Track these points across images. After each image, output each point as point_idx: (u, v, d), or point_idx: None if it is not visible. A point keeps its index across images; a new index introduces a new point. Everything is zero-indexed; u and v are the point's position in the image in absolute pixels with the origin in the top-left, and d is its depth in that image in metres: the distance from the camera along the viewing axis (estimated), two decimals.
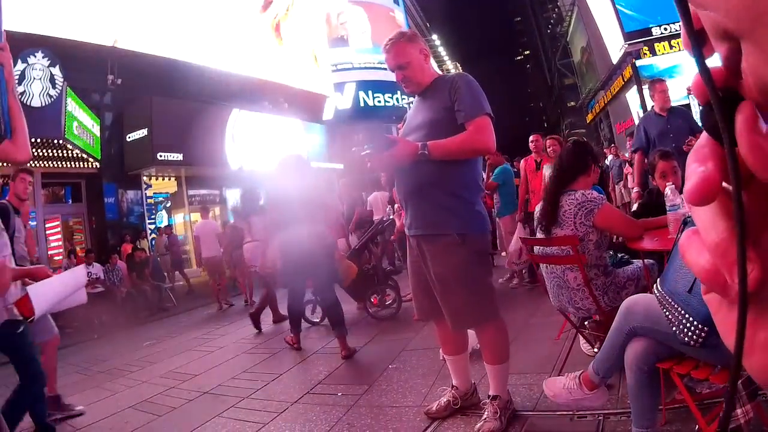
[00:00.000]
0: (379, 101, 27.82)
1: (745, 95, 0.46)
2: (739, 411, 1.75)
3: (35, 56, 11.59)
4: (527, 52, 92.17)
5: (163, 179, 16.63)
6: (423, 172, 3.18)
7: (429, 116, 3.29)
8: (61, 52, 12.15)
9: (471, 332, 3.74)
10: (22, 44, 11.57)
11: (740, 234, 0.43)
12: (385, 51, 3.40)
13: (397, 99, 27.82)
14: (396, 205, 7.84)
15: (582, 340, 3.96)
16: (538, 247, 3.74)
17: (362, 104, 27.20)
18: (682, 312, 2.09)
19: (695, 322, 2.02)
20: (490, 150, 3.26)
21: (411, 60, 3.33)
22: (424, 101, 3.41)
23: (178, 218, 18.15)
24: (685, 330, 2.06)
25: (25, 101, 11.18)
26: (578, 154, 3.65)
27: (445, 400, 3.66)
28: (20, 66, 11.25)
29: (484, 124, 3.14)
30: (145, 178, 15.83)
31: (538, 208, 3.80)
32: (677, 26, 18.21)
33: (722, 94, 0.50)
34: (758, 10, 0.40)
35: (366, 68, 28.02)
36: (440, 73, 3.57)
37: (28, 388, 3.91)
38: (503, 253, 8.91)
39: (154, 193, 16.22)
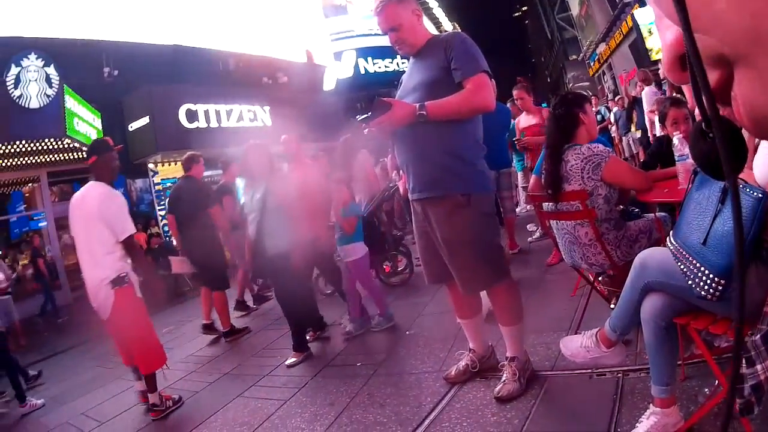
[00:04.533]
0: (379, 68, 27.59)
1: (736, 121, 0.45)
2: (758, 367, 1.72)
3: (28, 58, 11.54)
4: (525, 8, 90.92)
5: (169, 164, 16.58)
6: (422, 133, 3.15)
7: (425, 77, 3.24)
8: (54, 51, 12.10)
9: (484, 294, 3.73)
10: (14, 48, 11.58)
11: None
12: (375, 14, 3.32)
13: (397, 64, 27.54)
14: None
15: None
16: (547, 203, 3.70)
17: (363, 72, 26.97)
18: (698, 265, 2.06)
19: (711, 275, 2.00)
20: (490, 108, 3.18)
21: (402, 22, 3.25)
22: (420, 62, 3.35)
23: None
24: (701, 283, 2.04)
25: (23, 104, 11.27)
26: (565, 113, 3.60)
27: (463, 364, 3.68)
28: (14, 70, 11.30)
29: (483, 81, 3.09)
30: (151, 165, 15.71)
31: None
32: None
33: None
34: (757, 33, 0.38)
35: (365, 35, 27.74)
36: (435, 33, 3.51)
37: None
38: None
39: (161, 179, 16.15)
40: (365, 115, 3.13)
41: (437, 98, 3.07)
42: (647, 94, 10.32)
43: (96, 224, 4.44)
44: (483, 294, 3.66)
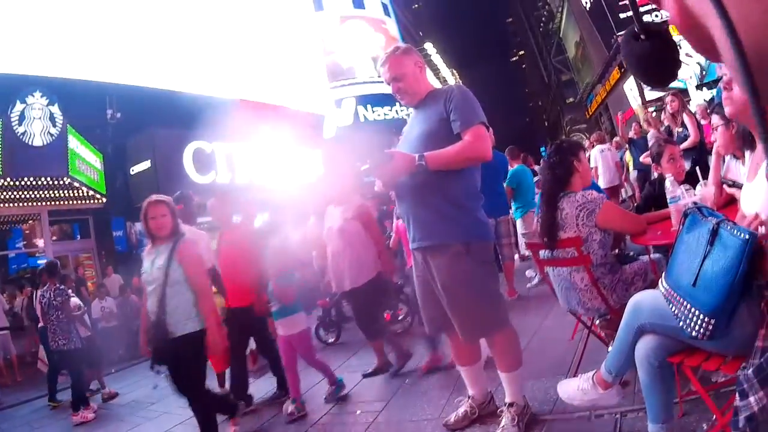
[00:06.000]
0: (379, 115, 27.72)
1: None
2: (752, 399, 1.74)
3: (33, 96, 11.68)
4: (522, 52, 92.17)
5: None
6: (423, 183, 3.20)
7: (425, 127, 3.33)
8: (58, 90, 12.22)
9: (483, 341, 3.74)
10: (20, 84, 11.72)
11: None
12: (381, 65, 3.46)
13: (396, 111, 27.64)
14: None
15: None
16: (543, 251, 3.73)
17: (362, 119, 27.10)
18: (688, 306, 2.09)
19: (701, 315, 2.02)
20: (486, 158, 3.28)
21: (406, 72, 3.38)
22: (420, 113, 3.46)
23: None
24: (692, 324, 2.06)
25: (26, 141, 11.36)
26: (560, 161, 3.65)
27: (462, 410, 3.67)
28: (19, 106, 11.41)
29: (480, 132, 3.17)
30: None
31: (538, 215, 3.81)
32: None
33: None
34: None
35: (365, 83, 27.95)
36: (437, 85, 3.61)
37: None
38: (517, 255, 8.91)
39: None
40: (367, 166, 3.22)
41: (437, 148, 3.15)
42: (594, 154, 11.45)
43: None
44: (482, 341, 3.67)
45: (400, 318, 7.24)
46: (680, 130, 7.34)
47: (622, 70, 27.90)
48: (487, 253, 3.37)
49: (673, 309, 2.18)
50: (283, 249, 5.21)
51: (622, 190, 12.80)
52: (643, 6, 0.57)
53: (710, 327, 2.00)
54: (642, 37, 0.59)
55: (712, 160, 3.67)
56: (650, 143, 10.22)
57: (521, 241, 8.55)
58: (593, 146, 11.93)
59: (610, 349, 3.32)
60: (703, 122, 6.79)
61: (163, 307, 4.12)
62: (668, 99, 7.72)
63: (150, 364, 4.40)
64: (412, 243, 3.41)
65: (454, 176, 3.24)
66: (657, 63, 0.59)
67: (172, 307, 4.12)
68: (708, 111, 5.18)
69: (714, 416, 2.39)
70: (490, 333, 3.36)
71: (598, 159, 11.38)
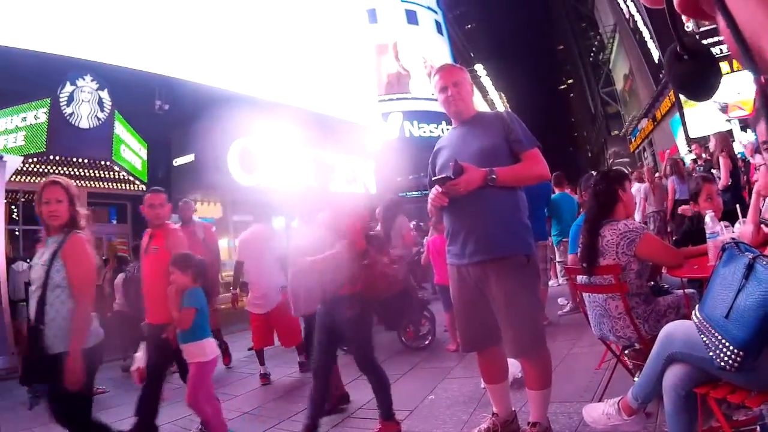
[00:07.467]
0: (425, 132, 27.80)
1: None
2: None
3: (84, 79, 11.96)
4: (570, 81, 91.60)
5: (209, 204, 16.83)
6: (494, 197, 3.30)
7: (485, 144, 3.41)
8: (109, 76, 12.50)
9: (512, 361, 3.77)
10: (72, 67, 12.02)
11: None
12: (436, 72, 3.60)
13: (442, 129, 27.60)
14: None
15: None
16: (581, 276, 3.76)
17: (408, 135, 27.19)
18: (719, 337, 2.11)
19: (731, 347, 2.04)
20: (547, 177, 3.55)
21: (464, 82, 3.54)
22: (472, 131, 3.53)
23: (222, 243, 18.27)
24: (722, 355, 2.08)
25: (73, 122, 11.61)
26: (605, 189, 3.70)
27: (485, 426, 3.66)
28: (69, 88, 11.69)
29: (539, 154, 3.40)
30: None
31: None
32: (724, 47, 18.02)
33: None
34: None
35: (412, 99, 28.08)
36: (483, 107, 3.72)
37: None
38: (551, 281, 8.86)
39: (199, 218, 16.41)
40: (442, 176, 3.30)
41: (495, 165, 3.27)
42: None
43: None
44: (511, 361, 3.72)
45: (421, 333, 7.22)
46: (716, 171, 7.36)
47: (670, 105, 27.62)
48: (538, 268, 3.54)
49: (704, 339, 2.21)
50: (180, 268, 4.28)
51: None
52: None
53: (739, 359, 2.02)
54: (685, 57, 0.64)
55: (752, 200, 3.67)
56: (637, 197, 10.53)
57: (558, 268, 8.55)
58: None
59: (636, 378, 3.34)
60: (751, 161, 6.79)
61: (41, 314, 3.37)
62: (711, 139, 7.78)
63: (20, 381, 3.56)
64: (468, 257, 3.42)
65: (517, 192, 3.42)
66: (701, 80, 0.65)
67: (51, 316, 3.38)
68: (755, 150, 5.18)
69: None
70: (538, 346, 3.38)
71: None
